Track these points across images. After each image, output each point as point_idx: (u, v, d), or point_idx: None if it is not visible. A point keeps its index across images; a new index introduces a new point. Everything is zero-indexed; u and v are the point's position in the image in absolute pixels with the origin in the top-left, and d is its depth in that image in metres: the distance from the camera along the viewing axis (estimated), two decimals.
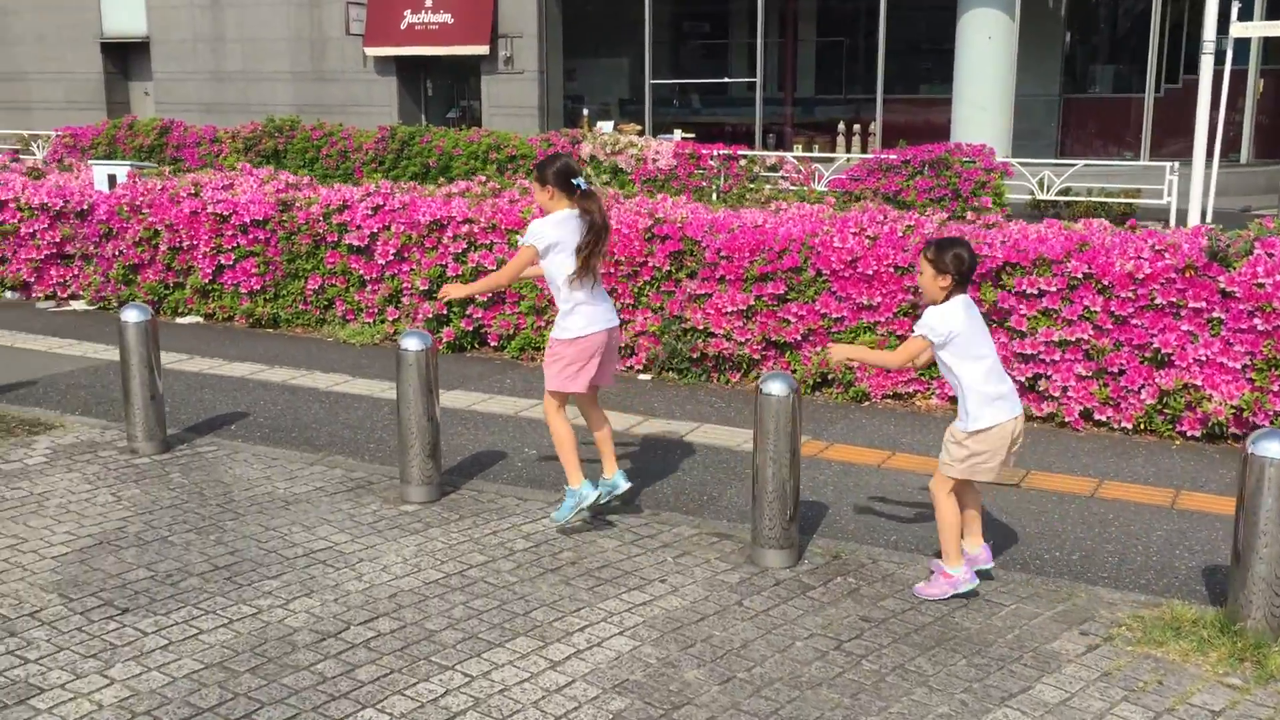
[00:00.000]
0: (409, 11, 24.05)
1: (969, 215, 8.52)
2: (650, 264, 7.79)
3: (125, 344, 5.91)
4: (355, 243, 8.72)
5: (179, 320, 9.45)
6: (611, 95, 26.43)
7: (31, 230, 10.00)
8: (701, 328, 7.57)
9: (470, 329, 8.38)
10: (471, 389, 7.41)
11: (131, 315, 5.91)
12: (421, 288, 8.44)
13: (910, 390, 7.17)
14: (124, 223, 9.57)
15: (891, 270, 7.09)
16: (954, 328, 4.11)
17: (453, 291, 5.14)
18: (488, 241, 8.26)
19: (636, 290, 7.86)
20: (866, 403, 7.18)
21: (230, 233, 9.16)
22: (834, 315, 7.23)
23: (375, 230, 8.67)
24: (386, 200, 8.79)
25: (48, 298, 10.17)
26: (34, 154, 25.51)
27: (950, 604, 4.25)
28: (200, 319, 9.46)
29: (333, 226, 8.85)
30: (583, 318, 4.81)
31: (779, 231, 7.60)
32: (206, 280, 9.31)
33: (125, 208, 9.58)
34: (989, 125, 17.66)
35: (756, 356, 7.51)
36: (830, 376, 7.27)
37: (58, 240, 9.98)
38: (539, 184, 4.88)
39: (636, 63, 24.70)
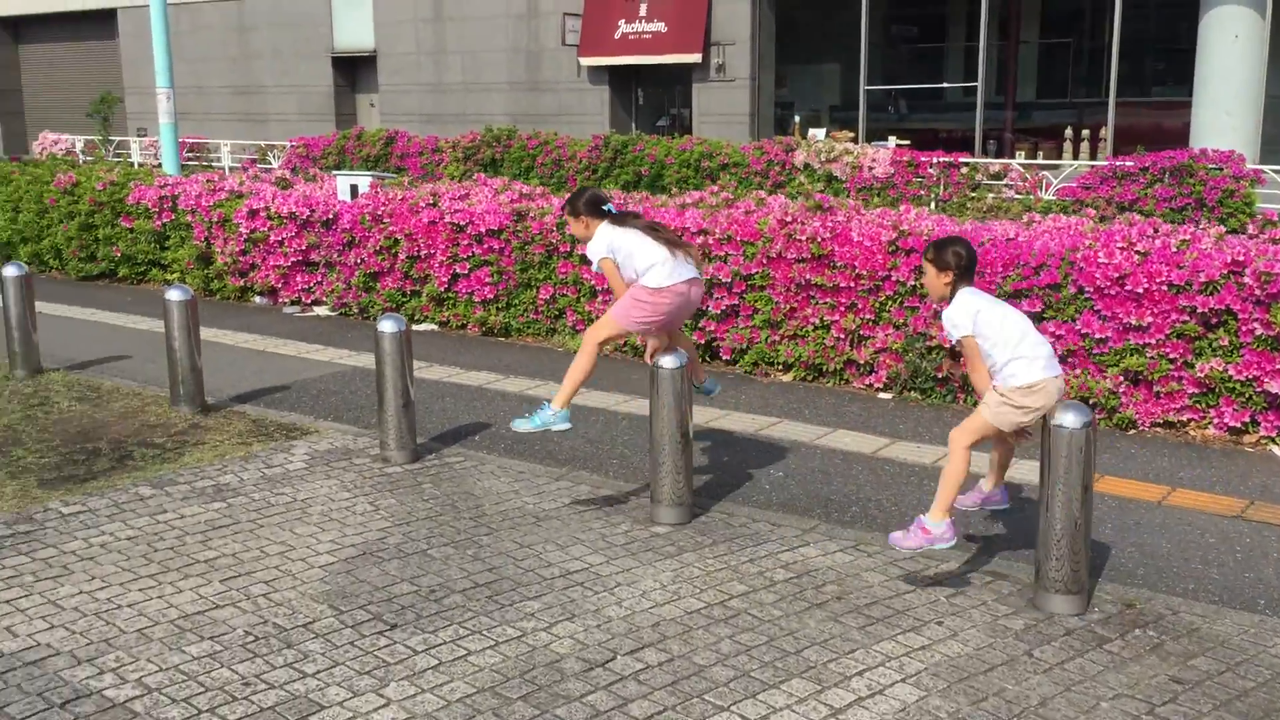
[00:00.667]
0: (623, 22, 24.27)
1: (1250, 229, 7.84)
2: (893, 278, 7.47)
3: (381, 353, 5.99)
4: (586, 254, 8.69)
5: (416, 327, 9.67)
6: (822, 102, 25.99)
7: (280, 238, 10.43)
8: (948, 346, 7.20)
9: (702, 342, 8.24)
10: (706, 405, 7.26)
11: (387, 325, 5.99)
12: None
13: (1183, 419, 6.62)
14: (366, 232, 9.86)
15: (1165, 288, 6.56)
16: (973, 313, 4.37)
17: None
18: (722, 254, 8.11)
19: (878, 305, 7.56)
20: (1132, 431, 6.67)
21: (466, 242, 9.31)
22: (1097, 336, 6.75)
23: None
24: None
25: (293, 303, 10.58)
26: (270, 163, 26.96)
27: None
28: (435, 326, 9.65)
29: (565, 237, 8.87)
30: (660, 274, 5.10)
31: (1035, 245, 7.16)
32: (442, 288, 9.49)
33: (367, 217, 9.87)
34: (1234, 130, 16.47)
35: None
36: (1093, 402, 6.79)
37: (304, 248, 10.38)
38: (572, 217, 5.34)
39: (850, 68, 24.20)
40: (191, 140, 28.83)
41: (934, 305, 4.44)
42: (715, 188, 9.70)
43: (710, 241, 8.15)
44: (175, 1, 30.63)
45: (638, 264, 5.13)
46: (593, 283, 8.74)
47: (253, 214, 10.59)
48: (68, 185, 11.95)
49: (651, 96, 26.11)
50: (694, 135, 22.99)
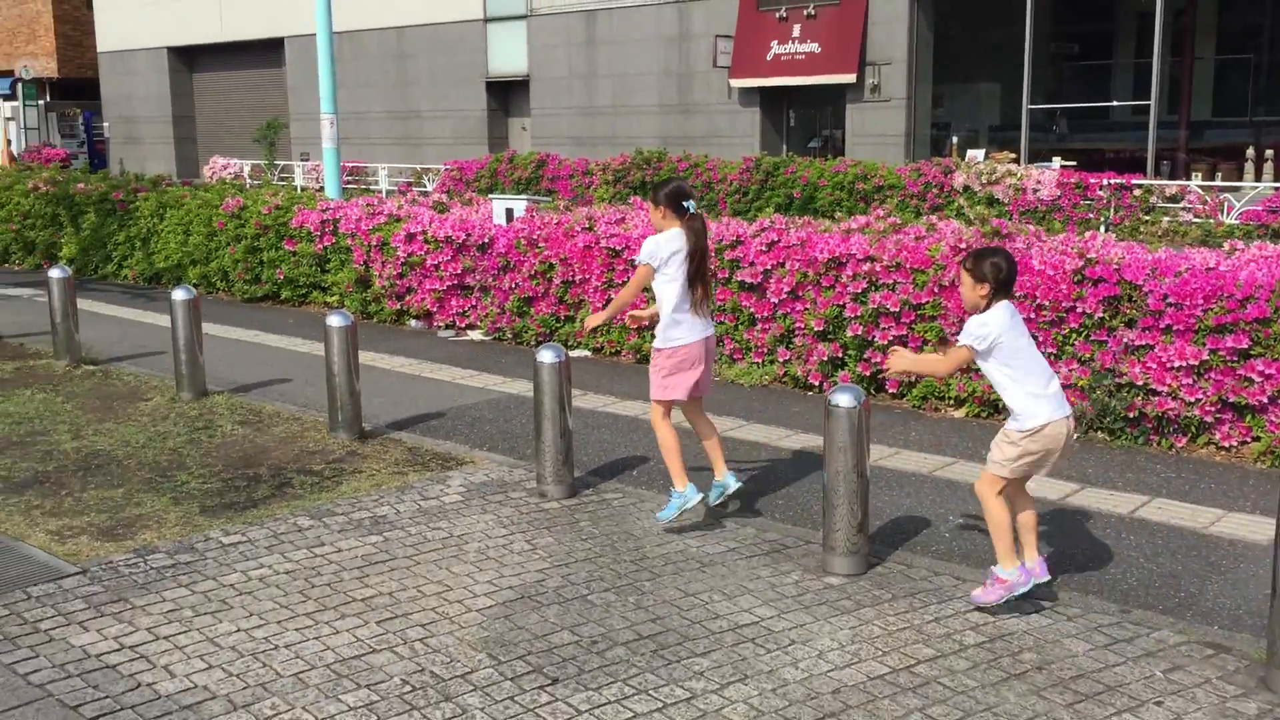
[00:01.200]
0: (776, 43, 23.96)
1: None
2: (1079, 309, 6.97)
3: (539, 384, 5.81)
4: (747, 279, 8.42)
5: (571, 354, 9.52)
6: (980, 121, 25.17)
7: (436, 262, 10.44)
8: (1141, 383, 6.66)
9: (867, 374, 7.85)
10: (875, 441, 6.86)
11: (546, 356, 5.80)
12: (816, 328, 8.00)
13: None
14: (521, 256, 9.78)
15: None
16: (995, 333, 4.25)
17: (591, 321, 5.71)
18: (890, 281, 7.72)
19: (1061, 338, 7.06)
20: None
21: (622, 267, 9.13)
22: None
23: (769, 267, 8.33)
24: (781, 236, 8.43)
25: (447, 327, 10.57)
26: (426, 186, 27.49)
27: None
28: (589, 352, 9.49)
29: (724, 262, 8.60)
30: (684, 329, 5.22)
31: (1240, 275, 6.57)
32: None
33: (522, 241, 9.79)
34: None
35: (1209, 419, 6.51)
36: None
37: (459, 272, 10.36)
38: (653, 204, 5.29)
39: (1010, 86, 23.34)
40: (351, 164, 29.65)
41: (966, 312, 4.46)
42: (880, 211, 9.30)
43: (878, 269, 7.77)
44: (339, 30, 31.58)
45: (666, 291, 5.22)
46: (751, 310, 8.45)
47: (410, 238, 10.63)
48: (235, 209, 12.25)
49: (803, 118, 25.71)
50: (847, 157, 22.51)
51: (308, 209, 11.73)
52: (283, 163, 31.73)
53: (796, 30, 23.75)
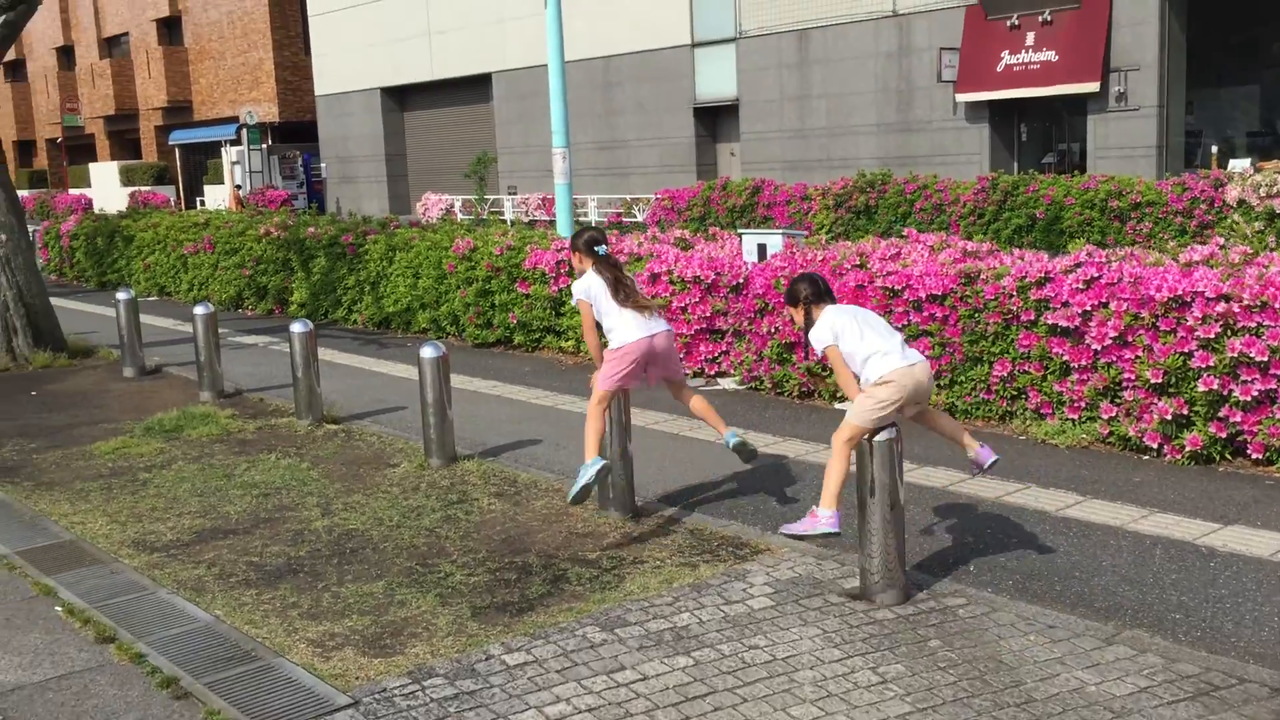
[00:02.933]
0: (1007, 53, 22.38)
1: None
2: None
3: (866, 463, 4.81)
4: (1061, 323, 7.22)
5: (836, 405, 8.51)
6: (1237, 128, 22.97)
7: (683, 304, 9.60)
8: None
9: (1223, 435, 6.54)
10: (1247, 522, 5.58)
11: (887, 433, 4.79)
12: (1152, 381, 6.74)
13: None
14: (781, 297, 8.82)
15: None
16: (830, 332, 5.03)
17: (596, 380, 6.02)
18: (1253, 324, 6.40)
19: None
20: None
21: (901, 309, 8.06)
22: None
23: (1088, 308, 7.11)
24: (1102, 271, 7.20)
25: (696, 374, 9.71)
26: (636, 216, 26.97)
27: None
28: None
29: (1029, 303, 7.42)
30: (625, 331, 5.83)
31: None
32: None
33: (782, 281, 8.84)
34: None
35: None
36: None
37: (709, 314, 9.50)
38: (572, 250, 6.13)
39: (1272, 89, 21.19)
40: None
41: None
42: (1219, 239, 7.94)
43: (1235, 309, 6.46)
44: (544, 63, 31.57)
45: (602, 315, 5.97)
46: (1065, 358, 7.24)
47: (654, 278, 9.83)
48: (466, 251, 11.76)
49: (1037, 132, 23.97)
50: (1090, 172, 20.74)
51: (541, 249, 11.11)
52: (492, 197, 31.87)
53: (1030, 38, 22.11)
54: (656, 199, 26.20)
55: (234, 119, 42.54)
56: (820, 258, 8.81)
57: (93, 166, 50.53)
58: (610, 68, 29.89)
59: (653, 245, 10.43)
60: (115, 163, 48.89)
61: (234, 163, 40.00)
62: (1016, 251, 8.28)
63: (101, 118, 51.23)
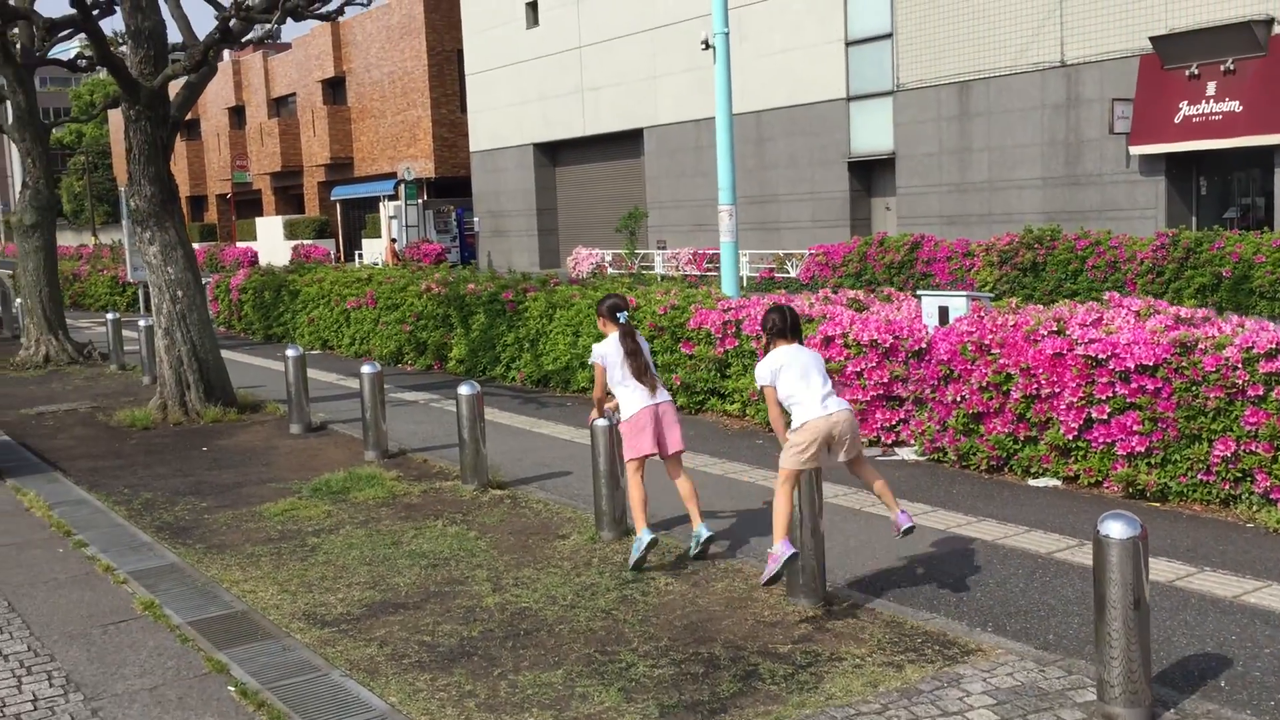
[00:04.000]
0: (1185, 103, 21.30)
1: None
2: None
3: (1105, 563, 4.27)
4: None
5: (1030, 482, 7.90)
6: None
7: (858, 369, 9.13)
8: None
9: None
10: None
11: (1114, 528, 4.26)
12: None
13: None
14: (968, 364, 8.28)
15: None
16: (770, 372, 5.65)
17: (591, 416, 6.95)
18: None
19: None
20: None
21: (1105, 380, 7.43)
22: None
23: None
24: None
25: (872, 443, 9.20)
26: (789, 271, 26.53)
27: None
28: (1058, 482, 7.81)
29: (1257, 377, 6.74)
30: (631, 402, 6.44)
31: None
32: (1070, 436, 7.65)
33: (969, 347, 8.30)
34: None
35: None
36: None
37: (886, 380, 9.00)
38: (598, 315, 6.74)
39: None
40: (710, 251, 29.25)
41: None
42: None
43: None
44: (697, 118, 31.56)
45: (612, 382, 6.55)
46: None
47: (827, 341, 9.39)
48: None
49: (1217, 185, 22.71)
50: (1278, 228, 19.48)
51: (706, 309, 10.79)
52: (642, 251, 31.86)
53: (1211, 88, 21.00)
54: (810, 254, 25.73)
55: (392, 175, 43.80)
56: (1011, 322, 8.25)
57: (259, 220, 52.67)
58: (762, 122, 29.67)
59: (825, 306, 9.99)
60: (280, 217, 50.85)
61: (391, 217, 41.07)
62: (1234, 319, 7.58)
63: (268, 174, 53.45)
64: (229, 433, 10.91)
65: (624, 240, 31.90)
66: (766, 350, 5.75)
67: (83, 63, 19.19)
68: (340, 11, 11.94)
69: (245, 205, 58.27)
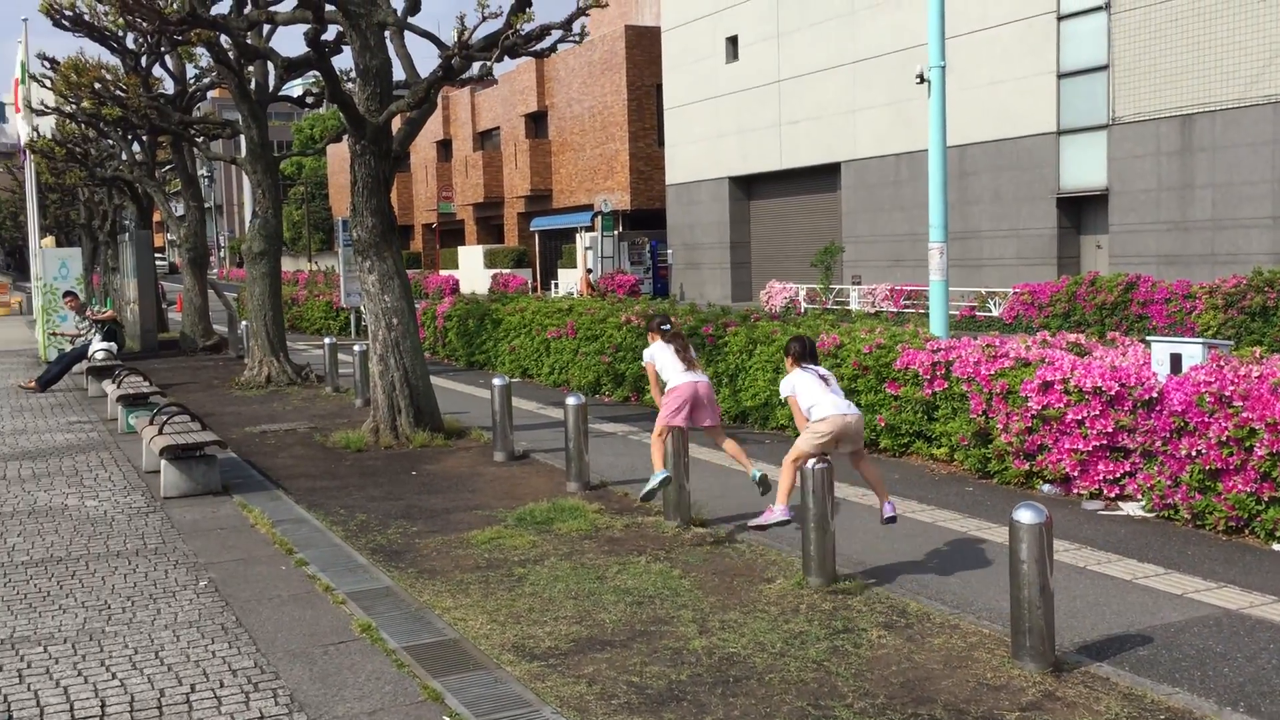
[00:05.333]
0: None
1: None
2: None
3: None
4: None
5: (1275, 547, 7.30)
6: None
7: (1079, 417, 8.67)
8: None
9: None
10: None
11: None
12: None
13: None
14: (1206, 417, 7.74)
15: None
16: (791, 386, 7.01)
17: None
18: None
19: None
20: None
21: None
22: None
23: None
24: None
25: (1092, 496, 8.71)
26: (991, 310, 25.68)
27: None
28: None
29: None
30: (676, 378, 8.03)
31: None
32: None
33: (1207, 397, 7.75)
34: None
35: None
36: None
37: (1109, 430, 8.51)
38: (648, 329, 8.67)
39: None
40: (908, 288, 28.62)
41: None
42: None
43: None
44: (899, 152, 31.02)
45: (664, 374, 8.16)
46: None
47: (1045, 387, 8.96)
48: (831, 348, 11.30)
49: None
50: None
51: (914, 349, 10.47)
52: (837, 286, 31.45)
53: None
54: (1014, 293, 24.85)
55: (589, 206, 44.68)
56: (1256, 373, 7.67)
57: (461, 249, 54.56)
58: (966, 156, 28.92)
59: (1044, 350, 9.54)
60: (480, 246, 52.55)
61: (587, 248, 41.86)
62: None
63: (471, 205, 55.37)
64: (436, 458, 11.21)
65: (819, 275, 31.55)
66: (791, 369, 7.16)
67: (310, 99, 20.29)
68: (553, 48, 12.21)
69: (448, 234, 60.50)
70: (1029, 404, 9.06)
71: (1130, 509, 8.40)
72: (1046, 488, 9.11)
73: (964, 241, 29.12)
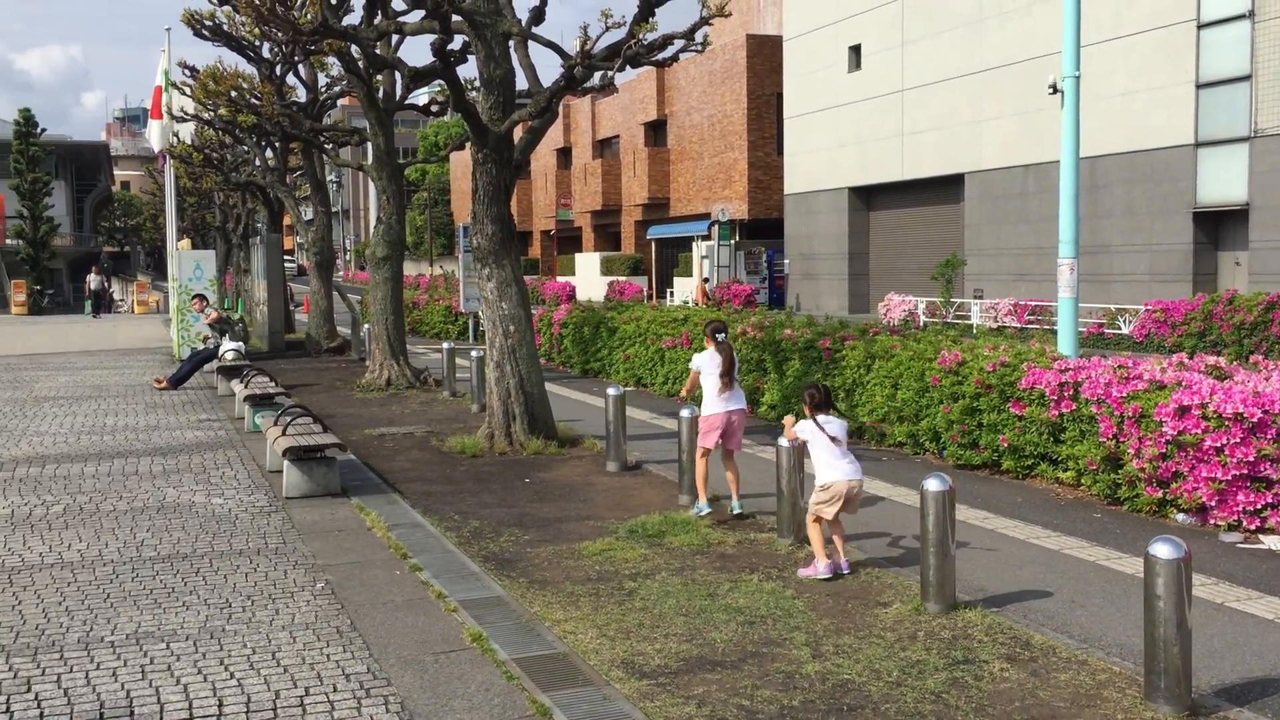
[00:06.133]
0: None
1: None
2: None
3: None
4: None
5: None
6: None
7: (1218, 444, 8.26)
8: None
9: None
10: None
11: None
12: None
13: None
14: None
15: None
16: (804, 432, 7.39)
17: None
18: None
19: None
20: None
21: None
22: None
23: None
24: None
25: (1231, 527, 8.29)
26: (1120, 327, 24.82)
27: None
28: None
29: None
30: (713, 405, 8.84)
31: None
32: None
33: None
34: None
35: None
36: None
37: (1251, 459, 8.08)
38: (704, 334, 9.11)
39: None
40: (1033, 303, 27.85)
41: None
42: None
43: None
44: (1026, 163, 30.23)
45: (706, 384, 8.96)
46: None
47: (1181, 411, 8.56)
48: (953, 364, 11.01)
49: None
50: None
51: (1040, 368, 10.12)
52: (958, 300, 30.78)
53: None
54: (1146, 310, 23.99)
55: (706, 215, 44.60)
56: None
57: (578, 256, 54.99)
58: (1096, 169, 28.00)
59: (1180, 373, 9.13)
60: (597, 254, 52.89)
61: (703, 257, 41.78)
62: None
63: (589, 212, 55.79)
64: (549, 466, 11.24)
65: (939, 288, 30.92)
66: (810, 416, 7.43)
67: (435, 108, 20.64)
68: (675, 58, 12.18)
69: (566, 241, 61.05)
70: (1164, 429, 8.66)
71: (1272, 542, 7.97)
72: (1181, 517, 8.70)
73: (1093, 256, 28.17)
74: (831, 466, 7.20)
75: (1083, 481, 9.65)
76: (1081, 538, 8.29)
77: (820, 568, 7.18)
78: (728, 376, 8.73)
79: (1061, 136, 12.15)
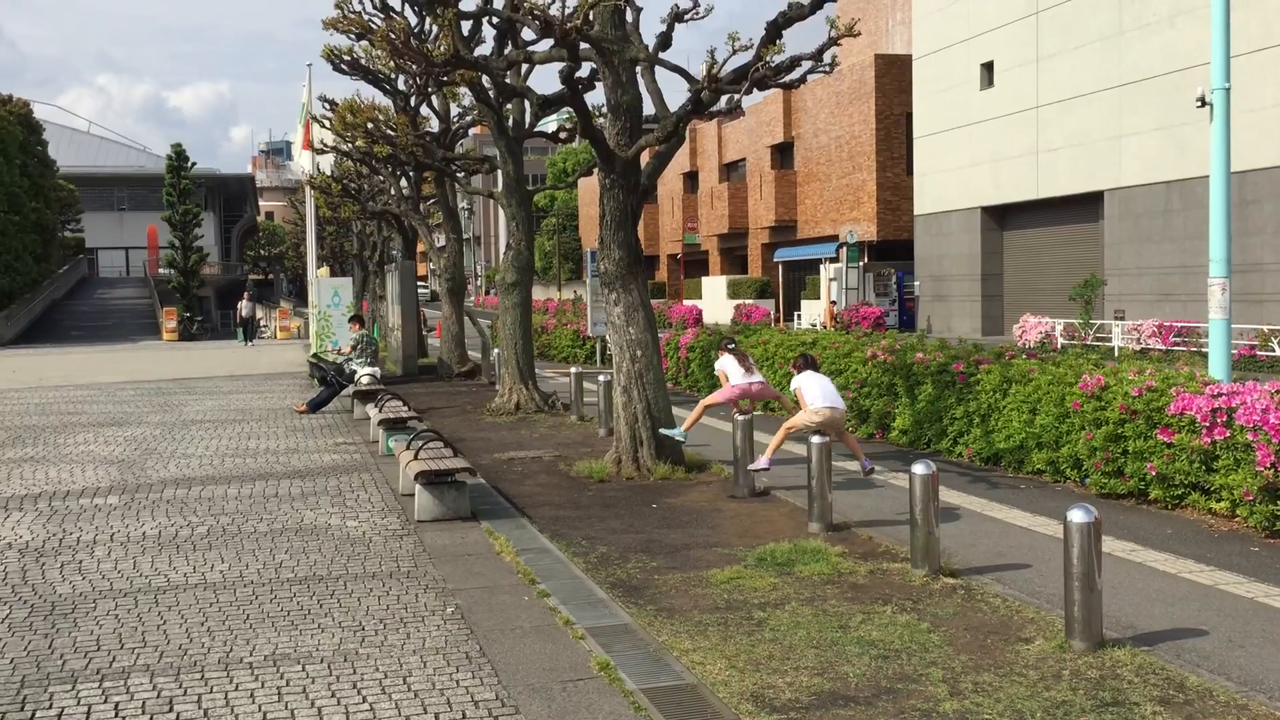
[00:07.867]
0: None
1: None
2: None
3: None
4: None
5: None
6: None
7: None
8: None
9: None
10: None
11: None
12: None
13: None
14: None
15: None
16: (798, 385, 10.72)
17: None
18: None
19: None
20: None
21: None
22: None
23: None
24: None
25: None
26: (1274, 349, 23.66)
27: None
28: None
29: None
30: (735, 380, 11.77)
31: None
32: None
33: None
34: None
35: None
36: None
37: None
38: (719, 348, 12.30)
39: None
40: (1179, 324, 26.76)
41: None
42: None
43: None
44: (1169, 179, 29.13)
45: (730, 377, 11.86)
46: None
47: None
48: (1095, 389, 10.58)
49: None
50: None
51: (1191, 393, 9.66)
52: (1097, 321, 29.76)
53: None
54: None
55: (833, 237, 44.14)
56: None
57: (704, 280, 55.01)
58: (1246, 183, 26.79)
59: None
60: (724, 277, 52.82)
61: (831, 279, 41.33)
62: None
63: (716, 235, 55.80)
64: (676, 491, 11.17)
65: (1077, 309, 29.94)
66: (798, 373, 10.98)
67: (563, 135, 20.89)
68: (803, 79, 12.05)
69: (692, 265, 61.14)
70: None
71: None
72: None
73: (1244, 275, 26.91)
74: (818, 400, 10.55)
75: (1238, 512, 9.16)
76: (1238, 572, 7.84)
77: (761, 462, 10.59)
78: (745, 363, 11.85)
79: (1211, 151, 11.62)
